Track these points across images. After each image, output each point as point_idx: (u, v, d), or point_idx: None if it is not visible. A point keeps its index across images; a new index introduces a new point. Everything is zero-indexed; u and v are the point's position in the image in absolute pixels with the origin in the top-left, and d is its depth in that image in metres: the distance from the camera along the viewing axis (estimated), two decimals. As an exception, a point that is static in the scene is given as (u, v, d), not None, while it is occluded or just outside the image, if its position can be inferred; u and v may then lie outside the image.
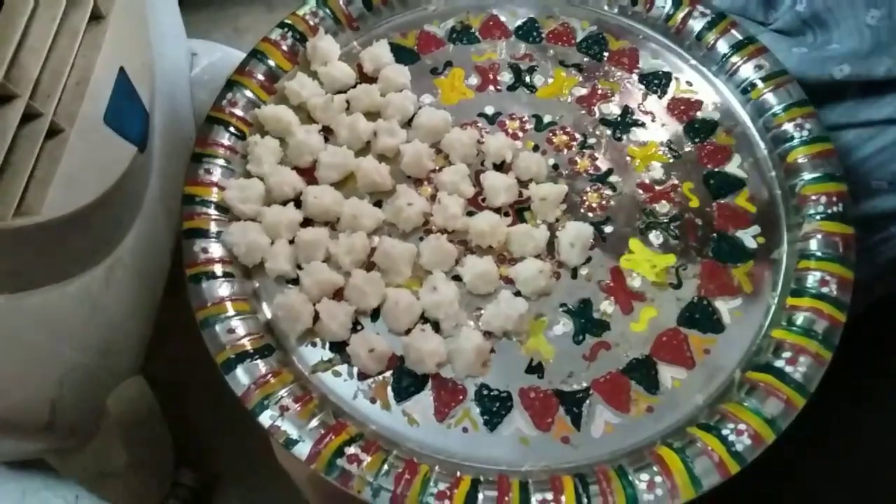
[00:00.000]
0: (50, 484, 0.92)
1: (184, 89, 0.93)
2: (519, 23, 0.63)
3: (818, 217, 0.50)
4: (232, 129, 0.56)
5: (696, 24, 0.59)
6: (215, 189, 0.53)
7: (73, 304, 0.62)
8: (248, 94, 0.57)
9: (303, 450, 0.43)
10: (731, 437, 0.43)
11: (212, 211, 0.52)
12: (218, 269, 0.50)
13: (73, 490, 0.91)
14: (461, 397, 0.47)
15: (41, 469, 0.92)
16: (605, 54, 0.61)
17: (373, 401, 0.47)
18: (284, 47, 0.59)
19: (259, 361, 0.46)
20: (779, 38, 0.59)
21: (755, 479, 0.44)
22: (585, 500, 0.41)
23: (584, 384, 0.47)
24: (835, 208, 0.50)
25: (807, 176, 0.52)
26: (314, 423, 0.44)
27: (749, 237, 0.52)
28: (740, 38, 0.58)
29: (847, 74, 0.55)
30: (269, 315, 0.50)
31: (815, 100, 0.55)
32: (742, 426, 0.43)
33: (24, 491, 0.93)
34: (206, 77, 0.95)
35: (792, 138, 0.53)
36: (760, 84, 0.56)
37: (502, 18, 0.63)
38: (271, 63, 0.59)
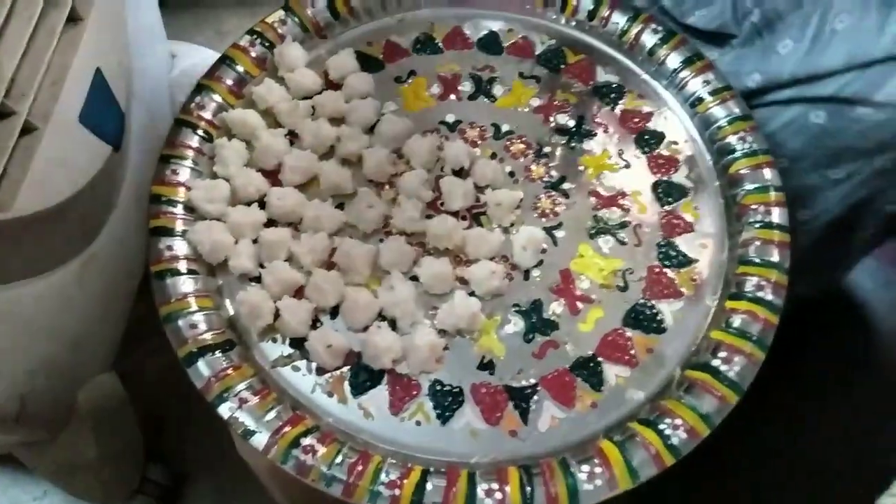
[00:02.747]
0: (18, 480, 0.93)
1: (162, 90, 0.94)
2: (481, 35, 0.65)
3: (757, 225, 0.53)
4: (200, 131, 0.58)
5: (649, 40, 0.62)
6: (182, 189, 0.55)
7: (45, 299, 0.63)
8: (217, 98, 0.59)
9: (260, 441, 0.45)
10: (668, 432, 0.45)
11: (178, 210, 0.54)
12: (182, 266, 0.51)
13: (42, 486, 0.92)
14: (415, 392, 0.49)
15: (9, 466, 0.93)
16: (563, 67, 0.63)
17: (330, 395, 0.49)
18: (253, 53, 0.62)
19: (220, 355, 0.48)
20: (722, 55, 0.63)
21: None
22: (529, 490, 0.44)
23: (533, 381, 0.49)
24: (771, 217, 0.53)
25: (748, 186, 0.55)
26: (272, 415, 0.46)
27: (692, 243, 0.54)
28: (689, 54, 0.61)
29: (758, 82, 0.60)
30: (231, 311, 0.52)
31: None
32: (678, 421, 0.45)
33: (-9, 488, 0.94)
34: (185, 79, 0.96)
35: (734, 150, 0.56)
36: (707, 98, 0.59)
37: (465, 31, 0.65)
38: (240, 69, 0.61)
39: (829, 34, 0.59)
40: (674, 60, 0.61)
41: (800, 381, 0.93)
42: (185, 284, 0.51)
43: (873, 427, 0.92)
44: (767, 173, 0.55)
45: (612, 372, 0.49)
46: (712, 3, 0.66)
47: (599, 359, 0.50)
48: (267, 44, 0.62)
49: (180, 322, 0.49)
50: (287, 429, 0.46)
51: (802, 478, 0.88)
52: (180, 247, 0.52)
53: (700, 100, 0.59)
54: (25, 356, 0.62)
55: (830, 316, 1.01)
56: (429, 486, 0.44)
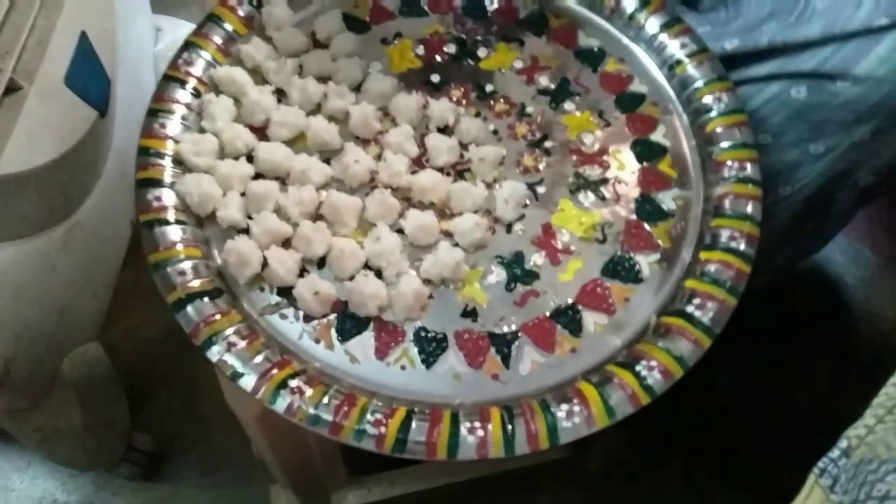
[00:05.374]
0: (2, 450, 0.93)
1: (147, 62, 0.95)
2: (466, -1, 0.67)
3: (731, 180, 0.55)
4: (188, 87, 0.58)
5: (629, 6, 0.64)
6: (170, 142, 0.55)
7: (30, 263, 0.64)
8: (205, 55, 0.60)
9: (248, 383, 0.46)
10: (644, 373, 0.47)
11: (165, 163, 0.54)
12: (171, 215, 0.52)
13: (26, 457, 0.92)
14: (401, 338, 0.50)
15: (-8, 436, 0.93)
16: (546, 31, 0.65)
17: (317, 341, 0.50)
18: (241, 12, 0.62)
19: (208, 301, 0.49)
20: (692, 18, 0.65)
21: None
22: (510, 427, 0.45)
23: (514, 327, 0.50)
24: (745, 172, 0.55)
25: (723, 144, 0.57)
26: (259, 358, 0.47)
27: (669, 199, 0.56)
28: (668, 18, 0.63)
29: (736, 46, 0.62)
30: (219, 261, 0.52)
31: None
32: (654, 363, 0.47)
33: (-27, 458, 0.93)
34: (169, 53, 0.97)
35: (710, 110, 0.58)
36: (685, 61, 0.61)
37: (450, -6, 0.67)
38: (228, 27, 0.61)
39: (810, 12, 0.61)
40: (653, 25, 0.63)
41: (770, 354, 0.97)
42: (174, 233, 0.51)
43: (845, 398, 0.95)
44: (741, 131, 0.57)
45: (591, 319, 0.51)
46: None
47: (579, 307, 0.51)
48: (254, 3, 0.63)
49: (169, 269, 0.50)
50: (275, 371, 0.47)
51: (777, 443, 0.91)
52: (168, 197, 0.53)
53: (678, 62, 0.61)
54: (9, 320, 0.63)
55: (802, 291, 1.04)
56: (413, 425, 0.45)
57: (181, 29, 1.02)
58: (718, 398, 0.88)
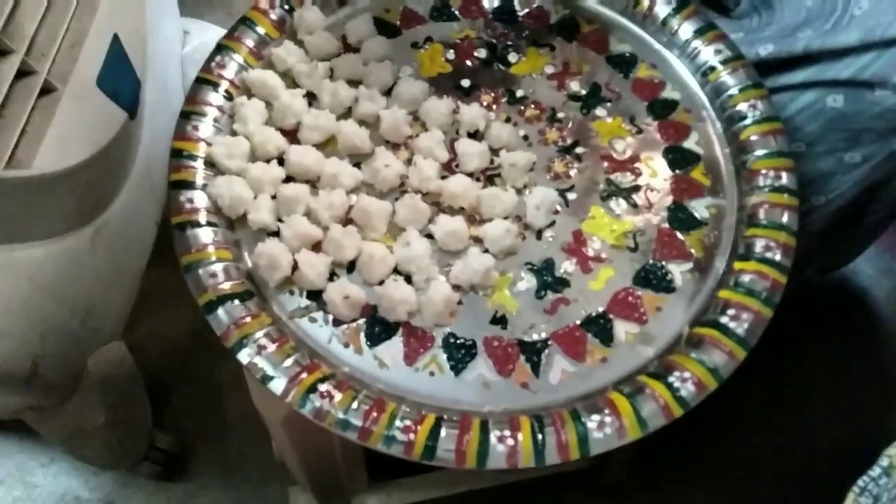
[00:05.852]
0: (25, 447, 0.94)
1: (175, 65, 0.95)
2: (496, 4, 0.66)
3: (766, 189, 0.54)
4: (220, 90, 0.58)
5: (662, 11, 0.63)
6: (202, 144, 0.55)
7: (59, 262, 0.64)
8: (237, 58, 0.60)
9: (278, 386, 0.46)
10: (677, 384, 0.46)
11: (198, 165, 0.55)
12: (202, 217, 0.52)
13: (48, 453, 0.93)
14: (429, 344, 0.50)
15: (16, 432, 0.94)
16: (577, 36, 0.64)
17: (346, 345, 0.50)
18: (273, 16, 0.62)
19: (239, 304, 0.49)
20: (725, 24, 0.64)
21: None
22: (540, 437, 0.45)
23: (544, 335, 0.50)
24: (781, 181, 0.54)
25: (758, 152, 0.56)
26: (289, 362, 0.47)
27: (702, 207, 0.56)
28: (702, 24, 0.62)
29: (770, 52, 0.61)
30: (249, 264, 0.52)
31: None
32: (687, 374, 0.47)
33: (-3, 453, 0.94)
34: (197, 56, 0.98)
35: (745, 117, 0.58)
36: (719, 67, 0.60)
37: (481, -1, 0.67)
38: (260, 30, 0.62)
39: (847, 19, 0.60)
40: (686, 30, 0.62)
41: (794, 366, 0.95)
42: (205, 235, 0.52)
43: (871, 415, 0.93)
44: (777, 140, 0.56)
45: (622, 329, 0.50)
46: None
47: (610, 316, 0.51)
48: (287, 7, 0.63)
49: (200, 271, 0.50)
50: (304, 375, 0.46)
51: (799, 458, 0.90)
52: (200, 199, 0.53)
53: (712, 69, 0.60)
54: (39, 318, 0.63)
55: (828, 302, 1.02)
56: (442, 432, 0.45)
57: (208, 32, 1.03)
58: (740, 409, 0.87)
